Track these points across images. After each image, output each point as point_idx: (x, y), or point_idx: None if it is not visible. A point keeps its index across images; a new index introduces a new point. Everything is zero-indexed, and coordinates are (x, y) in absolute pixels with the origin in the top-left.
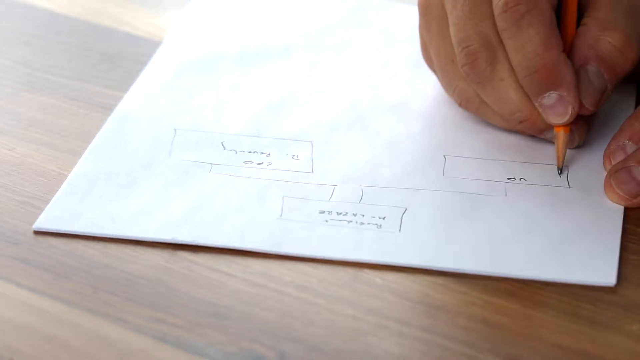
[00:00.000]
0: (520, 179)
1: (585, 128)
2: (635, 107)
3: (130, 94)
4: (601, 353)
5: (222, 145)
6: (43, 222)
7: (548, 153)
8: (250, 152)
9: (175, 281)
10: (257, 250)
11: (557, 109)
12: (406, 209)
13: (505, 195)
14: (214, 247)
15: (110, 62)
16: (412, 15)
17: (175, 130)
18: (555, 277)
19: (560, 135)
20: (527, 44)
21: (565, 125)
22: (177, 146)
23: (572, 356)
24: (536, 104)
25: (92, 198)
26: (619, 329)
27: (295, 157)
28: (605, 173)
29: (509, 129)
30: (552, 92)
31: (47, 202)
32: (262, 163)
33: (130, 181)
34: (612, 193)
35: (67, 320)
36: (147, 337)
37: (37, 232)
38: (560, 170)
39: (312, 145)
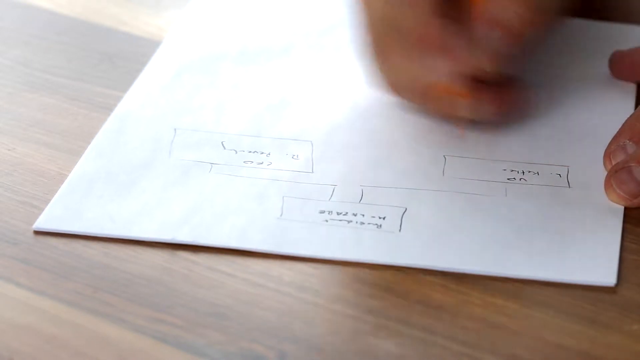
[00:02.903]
0: (520, 179)
1: (489, 97)
2: (635, 107)
3: (130, 94)
4: (601, 353)
5: (222, 145)
6: (43, 222)
7: (548, 153)
8: (250, 151)
9: (175, 281)
10: (257, 250)
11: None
12: (406, 209)
13: (505, 195)
14: (214, 247)
15: (110, 62)
16: None
17: (175, 130)
18: (555, 277)
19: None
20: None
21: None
22: (177, 146)
23: (572, 356)
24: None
25: (92, 198)
26: (619, 329)
27: (295, 157)
28: (606, 173)
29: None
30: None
31: (47, 202)
32: (262, 163)
33: (130, 181)
34: (612, 193)
35: (67, 320)
36: (147, 337)
37: (37, 232)
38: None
39: (312, 145)
